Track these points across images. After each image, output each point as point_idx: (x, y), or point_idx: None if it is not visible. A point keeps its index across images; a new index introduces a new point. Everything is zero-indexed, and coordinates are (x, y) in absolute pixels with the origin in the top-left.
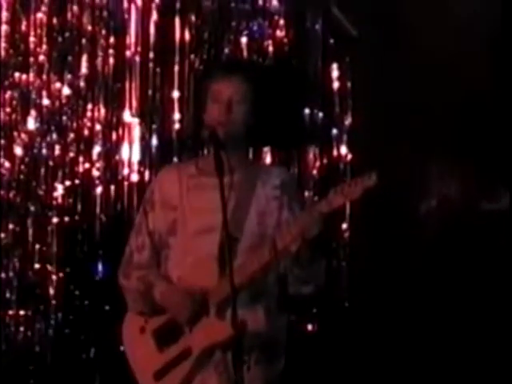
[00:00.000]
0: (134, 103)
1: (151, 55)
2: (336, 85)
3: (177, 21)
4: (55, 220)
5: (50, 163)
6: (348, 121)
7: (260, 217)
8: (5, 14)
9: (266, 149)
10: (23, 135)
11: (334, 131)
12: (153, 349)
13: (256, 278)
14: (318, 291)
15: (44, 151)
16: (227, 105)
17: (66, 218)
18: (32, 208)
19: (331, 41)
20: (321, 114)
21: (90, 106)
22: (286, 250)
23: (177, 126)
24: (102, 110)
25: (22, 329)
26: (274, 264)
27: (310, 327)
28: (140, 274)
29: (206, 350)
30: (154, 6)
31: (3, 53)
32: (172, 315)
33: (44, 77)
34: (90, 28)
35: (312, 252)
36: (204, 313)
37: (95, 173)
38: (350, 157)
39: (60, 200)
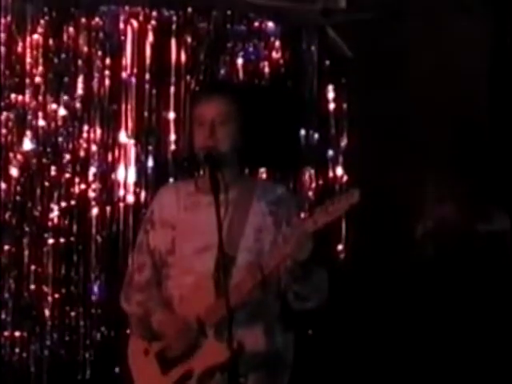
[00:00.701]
0: (130, 124)
1: (147, 76)
2: (332, 106)
3: (173, 42)
4: (51, 241)
5: (46, 184)
6: (344, 142)
7: (257, 233)
8: (1, 35)
9: (262, 169)
10: (19, 156)
11: (330, 152)
12: (156, 371)
13: (253, 297)
14: (321, 304)
15: (40, 172)
16: (210, 127)
17: (62, 239)
18: (27, 229)
19: (327, 62)
20: (316, 135)
21: (85, 127)
22: (280, 269)
23: (172, 147)
24: (98, 131)
25: (17, 350)
26: (271, 282)
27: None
28: (140, 299)
29: (206, 371)
30: (149, 27)
31: None
32: (170, 343)
33: (40, 98)
34: (86, 49)
35: (307, 268)
36: (203, 336)
37: (91, 194)
38: (345, 178)
39: (56, 221)
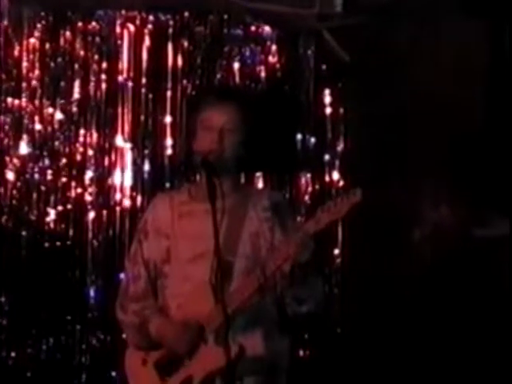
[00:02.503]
0: (127, 128)
1: (143, 80)
2: (328, 110)
3: (169, 46)
4: (47, 245)
5: (42, 188)
6: (340, 146)
7: (253, 239)
8: None
9: (258, 174)
10: (15, 160)
11: (327, 157)
12: (155, 380)
13: (251, 302)
14: (317, 310)
15: (36, 176)
16: (219, 133)
17: (58, 243)
18: (24, 233)
19: (323, 66)
20: (313, 140)
21: (82, 131)
22: (278, 273)
23: (169, 151)
24: (95, 135)
25: (13, 354)
26: (269, 287)
27: (301, 353)
28: (136, 308)
29: (206, 377)
30: (146, 31)
31: None
32: (170, 349)
33: (36, 102)
34: (82, 53)
35: (305, 271)
36: (202, 341)
37: (87, 198)
38: (342, 182)
39: (52, 225)
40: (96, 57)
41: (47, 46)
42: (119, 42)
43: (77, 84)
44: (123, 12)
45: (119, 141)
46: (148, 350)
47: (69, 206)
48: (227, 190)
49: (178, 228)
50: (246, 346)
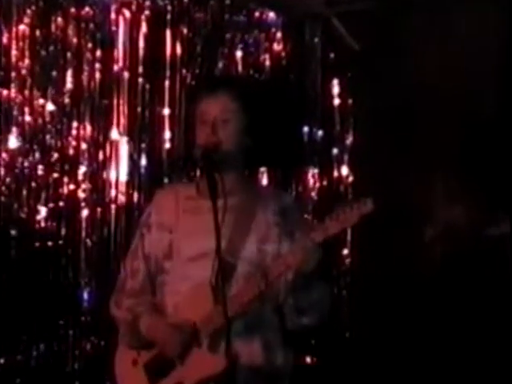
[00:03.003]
0: (122, 121)
1: (140, 70)
2: (336, 101)
3: (168, 33)
4: (38, 244)
5: (33, 184)
6: (349, 140)
7: (260, 244)
8: None
9: (263, 169)
10: (4, 154)
11: (335, 151)
12: (144, 383)
13: (251, 308)
14: (318, 323)
15: (26, 171)
16: (213, 125)
17: (50, 243)
18: (13, 232)
19: (331, 55)
20: (320, 133)
21: (75, 124)
22: (280, 280)
23: (167, 145)
24: (88, 128)
25: (1, 361)
26: (270, 294)
27: (308, 360)
28: (130, 304)
29: None
30: (143, 17)
31: None
32: (160, 350)
33: (26, 92)
34: (75, 41)
35: (309, 280)
36: (196, 345)
37: (80, 194)
38: (351, 178)
39: (43, 223)
40: (90, 45)
41: (38, 33)
42: (114, 28)
43: (69, 73)
44: None
45: (114, 134)
46: (139, 349)
47: (61, 204)
48: (232, 187)
49: (181, 223)
50: (242, 354)
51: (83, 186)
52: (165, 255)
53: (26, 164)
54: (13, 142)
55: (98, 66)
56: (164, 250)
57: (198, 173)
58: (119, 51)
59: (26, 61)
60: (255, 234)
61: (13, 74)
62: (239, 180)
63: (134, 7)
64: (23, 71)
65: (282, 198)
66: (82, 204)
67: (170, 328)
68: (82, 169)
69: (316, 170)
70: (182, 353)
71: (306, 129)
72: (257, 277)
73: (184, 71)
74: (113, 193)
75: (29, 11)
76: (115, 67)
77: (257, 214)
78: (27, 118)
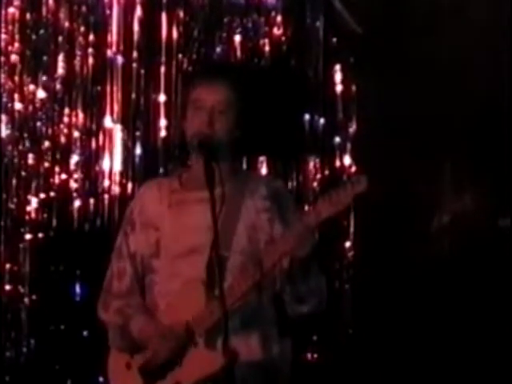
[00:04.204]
0: (116, 108)
1: (135, 55)
2: (339, 88)
3: (163, 17)
4: (28, 237)
5: (23, 174)
6: (352, 128)
7: (250, 231)
8: None
9: (262, 159)
10: None
11: (337, 139)
12: None
13: (247, 301)
14: (319, 310)
15: (16, 160)
16: (209, 115)
17: (40, 235)
18: (2, 223)
19: (334, 39)
20: (322, 121)
21: (67, 111)
22: (276, 268)
23: (163, 133)
24: (81, 116)
25: None
26: (266, 284)
27: (309, 356)
28: (118, 306)
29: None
30: (137, 0)
31: None
32: (153, 354)
33: (16, 78)
34: (67, 24)
35: (305, 267)
36: (191, 344)
37: (73, 185)
38: (354, 168)
39: (33, 215)
40: (82, 28)
41: (28, 16)
42: (108, 11)
43: (61, 58)
44: None
45: (108, 122)
46: (132, 352)
47: (52, 194)
48: (224, 176)
49: (168, 219)
50: (240, 350)
51: (75, 175)
52: (152, 254)
53: (15, 153)
54: (2, 129)
55: (90, 50)
56: (151, 249)
57: (190, 162)
58: (113, 35)
59: (16, 45)
60: (244, 221)
61: (2, 59)
62: (230, 169)
63: None
64: (13, 56)
65: (271, 182)
66: (74, 194)
67: (162, 331)
68: (74, 158)
69: (317, 160)
70: (175, 356)
71: (307, 117)
72: (250, 267)
73: (180, 56)
74: (106, 183)
75: None
76: (109, 52)
77: (245, 201)
78: (17, 105)
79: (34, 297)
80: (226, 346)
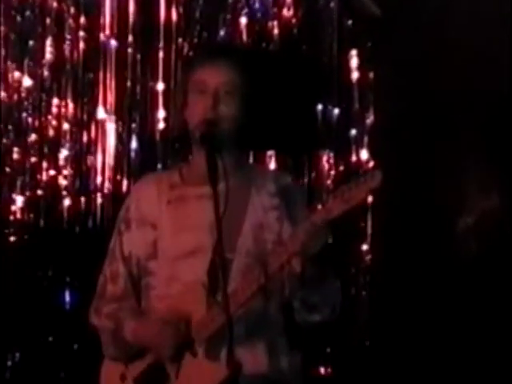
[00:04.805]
0: (110, 97)
1: (130, 39)
2: (355, 75)
3: None
4: (13, 238)
5: (7, 170)
6: (369, 119)
7: (256, 231)
8: None
9: (270, 153)
10: None
11: (353, 132)
12: None
13: (252, 307)
14: (332, 319)
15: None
16: (214, 97)
17: (26, 236)
18: None
19: (349, 22)
20: (336, 111)
21: (55, 101)
22: (284, 271)
23: (161, 125)
24: (71, 106)
25: None
26: (274, 288)
27: (322, 370)
28: (110, 310)
29: None
30: None
31: None
32: (154, 354)
33: (0, 65)
34: (55, 5)
35: (319, 271)
36: (190, 353)
37: (62, 182)
38: (371, 163)
39: (19, 215)
40: (72, 9)
41: None
42: None
43: (49, 43)
44: None
45: (100, 112)
46: (127, 361)
47: (39, 192)
48: (227, 169)
49: (166, 217)
50: (244, 362)
51: (65, 171)
52: (148, 255)
53: None
54: None
55: (81, 34)
56: (147, 249)
57: (190, 156)
58: (106, 17)
59: (0, 28)
60: (250, 220)
61: None
62: (234, 162)
63: None
64: None
65: (280, 177)
66: (64, 193)
67: (158, 325)
68: (64, 152)
69: (331, 155)
70: (177, 359)
71: (319, 107)
72: (255, 270)
73: (180, 40)
74: (98, 180)
75: None
76: (101, 36)
77: (251, 197)
78: (1, 94)
79: (19, 305)
80: (231, 355)
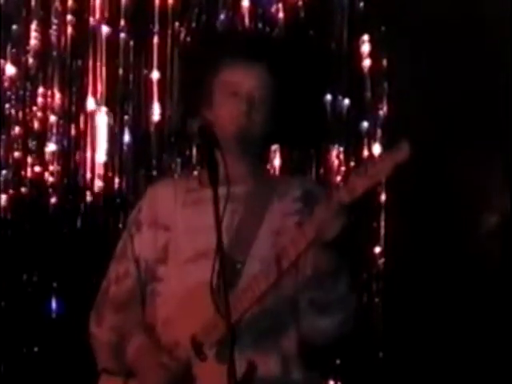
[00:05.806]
0: (100, 87)
1: (122, 23)
2: (367, 63)
3: None
4: None
5: None
6: (382, 110)
7: (274, 237)
8: None
9: (275, 148)
10: None
11: (364, 124)
12: None
13: (263, 311)
14: (344, 329)
15: None
16: (248, 102)
17: (9, 238)
18: None
19: (361, 4)
20: (347, 102)
21: (41, 91)
22: (300, 262)
23: (156, 117)
24: (58, 96)
25: None
26: (286, 288)
27: None
28: (115, 322)
29: None
30: None
31: None
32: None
33: None
34: None
35: (336, 262)
36: (200, 358)
37: (48, 178)
38: None
39: (2, 214)
40: None
41: None
42: None
43: (34, 27)
44: None
45: (90, 103)
46: (127, 376)
47: (23, 190)
48: (243, 173)
49: (180, 219)
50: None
51: (51, 167)
52: (158, 259)
53: None
54: None
55: (69, 18)
56: (157, 253)
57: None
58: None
59: None
60: (268, 226)
61: None
62: (253, 165)
63: None
64: None
65: (304, 182)
66: (50, 190)
67: (158, 368)
68: (50, 147)
69: (341, 149)
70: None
71: (329, 97)
72: (270, 262)
73: (177, 25)
74: (88, 176)
75: None
76: (91, 20)
77: (271, 204)
78: None
79: (1, 313)
80: (232, 361)
